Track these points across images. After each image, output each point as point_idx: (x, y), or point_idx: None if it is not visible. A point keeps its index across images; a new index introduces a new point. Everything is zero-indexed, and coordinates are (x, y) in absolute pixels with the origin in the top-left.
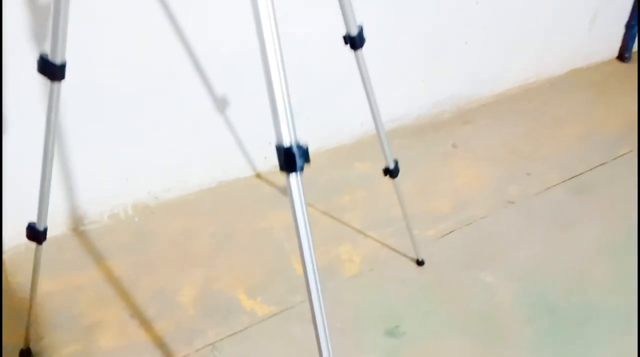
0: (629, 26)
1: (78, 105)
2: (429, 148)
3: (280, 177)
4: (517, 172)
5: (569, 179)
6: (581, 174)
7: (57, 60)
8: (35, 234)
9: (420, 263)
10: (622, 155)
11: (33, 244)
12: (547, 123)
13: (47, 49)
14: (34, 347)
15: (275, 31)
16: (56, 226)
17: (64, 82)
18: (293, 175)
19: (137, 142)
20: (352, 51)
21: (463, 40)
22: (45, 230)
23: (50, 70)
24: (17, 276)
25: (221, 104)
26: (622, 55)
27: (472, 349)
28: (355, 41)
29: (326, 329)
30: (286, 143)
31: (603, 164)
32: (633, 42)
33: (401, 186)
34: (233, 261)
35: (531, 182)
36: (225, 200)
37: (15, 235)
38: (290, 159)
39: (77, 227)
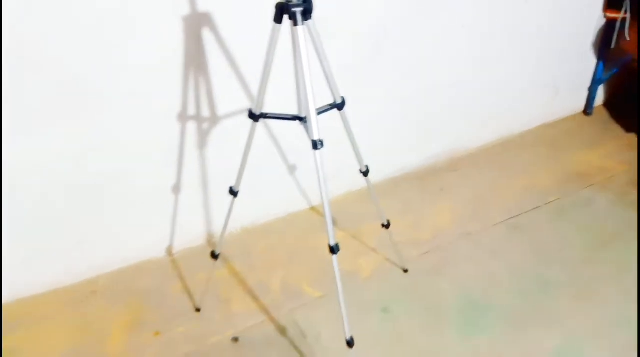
0: (590, 89)
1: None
2: (424, 191)
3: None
4: (478, 211)
5: (509, 219)
6: (518, 215)
7: (257, 112)
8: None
9: (405, 271)
10: (551, 201)
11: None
12: (507, 174)
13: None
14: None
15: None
16: (198, 239)
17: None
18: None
19: (255, 193)
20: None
21: (450, 108)
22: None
23: (253, 116)
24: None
25: (292, 169)
26: (586, 111)
27: (431, 324)
28: (341, 106)
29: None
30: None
31: (536, 208)
32: (593, 101)
33: (401, 220)
34: (299, 265)
35: (484, 220)
36: (292, 226)
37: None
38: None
39: (211, 240)
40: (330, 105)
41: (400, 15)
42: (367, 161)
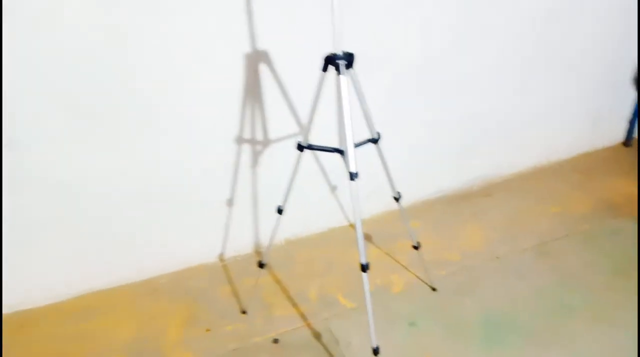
0: (630, 121)
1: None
2: (457, 214)
3: (363, 225)
4: (508, 236)
5: (538, 244)
6: (548, 241)
7: (304, 143)
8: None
9: (434, 289)
10: (580, 229)
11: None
12: (540, 200)
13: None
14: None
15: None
16: (247, 248)
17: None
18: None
19: (299, 208)
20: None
21: (487, 135)
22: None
23: (300, 147)
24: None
25: (333, 188)
26: (625, 142)
27: (454, 340)
28: (376, 141)
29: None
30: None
31: (565, 235)
32: (632, 132)
33: (432, 240)
34: (335, 277)
35: (513, 244)
36: (332, 240)
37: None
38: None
39: (258, 249)
40: (367, 140)
41: (440, 48)
42: (404, 183)
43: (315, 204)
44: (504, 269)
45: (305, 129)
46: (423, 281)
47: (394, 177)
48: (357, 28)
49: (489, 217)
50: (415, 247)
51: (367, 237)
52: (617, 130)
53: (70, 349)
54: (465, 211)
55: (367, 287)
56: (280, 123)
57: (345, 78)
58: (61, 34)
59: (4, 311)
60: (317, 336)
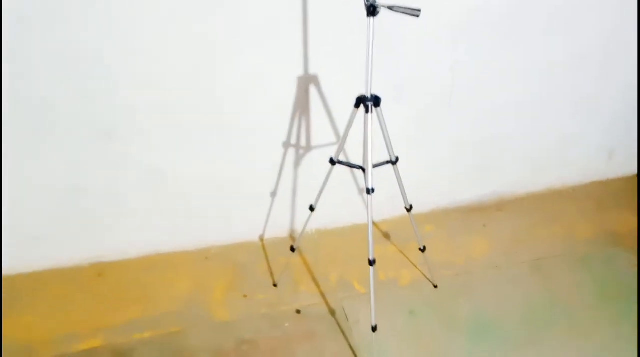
0: None
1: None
2: (468, 223)
3: (384, 225)
4: (510, 249)
5: (535, 260)
6: (545, 258)
7: (336, 158)
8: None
9: (435, 286)
10: (578, 252)
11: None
12: (546, 220)
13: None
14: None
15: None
16: (283, 232)
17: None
18: None
19: (330, 204)
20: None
21: (505, 156)
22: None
23: (332, 162)
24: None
25: (361, 191)
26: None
27: (446, 331)
28: (395, 162)
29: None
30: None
31: (563, 255)
32: None
33: (442, 244)
34: (354, 266)
35: (514, 256)
36: (355, 234)
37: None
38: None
39: (292, 235)
40: (386, 161)
41: (467, 83)
42: (426, 193)
43: (344, 202)
44: (500, 278)
45: (339, 148)
46: (427, 279)
47: (419, 185)
48: (397, 63)
49: (497, 229)
50: (422, 250)
51: (386, 236)
52: (632, 164)
53: (140, 294)
54: (477, 222)
55: (372, 277)
56: (321, 133)
57: (371, 115)
58: (168, 58)
59: (88, 262)
60: (332, 312)
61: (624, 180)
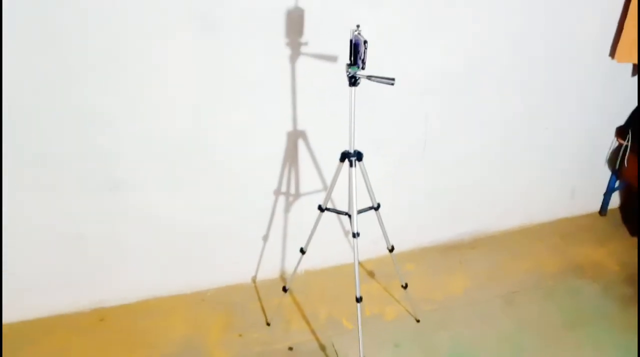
0: (605, 194)
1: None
2: (446, 261)
3: (368, 264)
4: (485, 284)
5: (508, 293)
6: (516, 292)
7: (324, 207)
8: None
9: (418, 321)
10: (546, 285)
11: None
12: (517, 256)
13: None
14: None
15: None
16: (274, 274)
17: None
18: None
19: (318, 246)
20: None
21: (478, 199)
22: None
23: (321, 209)
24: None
25: (347, 233)
26: (601, 212)
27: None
28: (377, 208)
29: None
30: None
31: (533, 288)
32: (607, 205)
33: (423, 281)
34: (342, 304)
35: (488, 291)
36: (342, 274)
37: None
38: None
39: (283, 275)
40: (369, 207)
41: (438, 134)
42: (406, 232)
43: (331, 244)
44: (476, 311)
45: (326, 196)
46: (410, 314)
47: (399, 227)
48: (376, 119)
49: (472, 266)
50: (404, 287)
51: (370, 274)
52: (594, 201)
53: (140, 338)
54: (453, 259)
55: (359, 313)
56: (309, 182)
57: (354, 169)
58: (169, 117)
59: (90, 307)
60: (323, 347)
61: (587, 217)
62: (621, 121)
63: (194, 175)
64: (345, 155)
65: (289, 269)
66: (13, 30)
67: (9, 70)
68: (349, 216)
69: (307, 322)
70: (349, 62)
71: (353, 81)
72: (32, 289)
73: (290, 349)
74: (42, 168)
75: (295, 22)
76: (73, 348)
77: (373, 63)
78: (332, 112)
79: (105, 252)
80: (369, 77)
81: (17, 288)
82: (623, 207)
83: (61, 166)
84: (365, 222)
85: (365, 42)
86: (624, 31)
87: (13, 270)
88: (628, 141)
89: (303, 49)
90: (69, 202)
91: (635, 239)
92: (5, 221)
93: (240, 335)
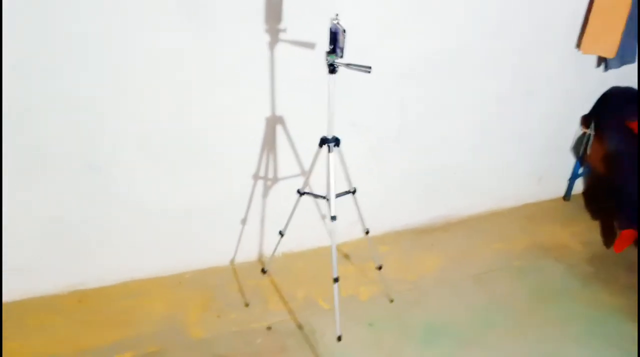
0: (570, 180)
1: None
2: (418, 243)
3: (344, 247)
4: (456, 265)
5: (478, 273)
6: (486, 272)
7: (302, 191)
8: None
9: (391, 301)
10: (514, 264)
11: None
12: (487, 238)
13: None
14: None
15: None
16: (252, 256)
17: None
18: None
19: (295, 229)
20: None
21: (450, 184)
22: None
23: (300, 193)
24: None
25: (323, 216)
26: (565, 197)
27: (402, 338)
28: (354, 192)
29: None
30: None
31: (501, 268)
32: (571, 190)
33: (397, 262)
34: (318, 285)
35: (459, 271)
36: (319, 257)
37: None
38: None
39: (261, 258)
40: (345, 191)
41: (415, 118)
42: (381, 216)
43: (308, 227)
44: (447, 290)
45: (305, 181)
46: (384, 294)
47: (374, 211)
48: (353, 104)
49: (444, 248)
50: (378, 268)
51: (346, 257)
52: (559, 187)
53: (118, 318)
54: (426, 242)
55: (336, 294)
56: (287, 167)
57: (333, 154)
58: (154, 100)
59: (68, 289)
60: (300, 327)
61: (552, 201)
62: (585, 110)
63: (173, 159)
64: (323, 141)
65: (267, 251)
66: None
67: None
68: (327, 200)
69: (285, 303)
70: (327, 50)
71: (332, 69)
72: (13, 272)
73: (269, 328)
74: (21, 150)
75: (274, 9)
76: (53, 327)
77: (352, 49)
78: (309, 98)
79: (84, 235)
80: (347, 65)
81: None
82: (586, 192)
83: (39, 149)
84: (341, 206)
85: (344, 31)
86: (588, 23)
87: None
88: (591, 129)
89: (282, 35)
90: (53, 184)
91: (597, 222)
92: None
93: (218, 316)
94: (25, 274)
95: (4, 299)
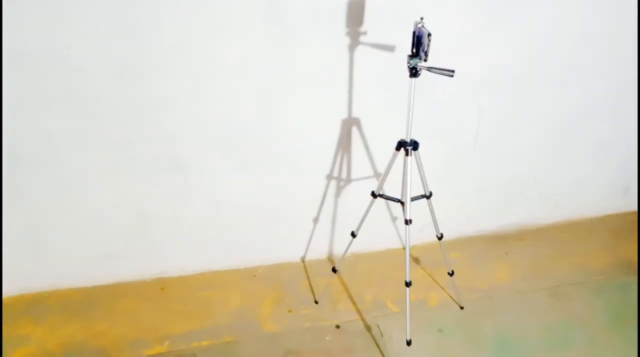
0: None
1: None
2: (491, 252)
3: (413, 250)
4: (530, 276)
5: (554, 286)
6: (562, 285)
7: (377, 193)
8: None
9: (462, 308)
10: (594, 280)
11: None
12: (565, 250)
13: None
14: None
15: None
16: (323, 255)
17: None
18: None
19: (366, 230)
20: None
21: (528, 192)
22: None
23: (374, 195)
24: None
25: (394, 218)
26: None
27: (471, 348)
28: (429, 196)
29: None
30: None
31: (580, 283)
32: None
33: (467, 269)
34: (387, 287)
35: (533, 283)
36: (389, 258)
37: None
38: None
39: (330, 257)
40: (421, 195)
41: (492, 128)
42: (454, 222)
43: (378, 229)
44: (521, 301)
45: (380, 183)
46: (454, 300)
47: (447, 216)
48: (430, 110)
49: (518, 257)
50: (450, 274)
51: (416, 260)
52: None
53: (197, 307)
54: (500, 249)
55: (408, 297)
56: (360, 168)
57: (410, 158)
58: (235, 103)
59: (152, 277)
60: (368, 328)
61: (637, 214)
62: None
63: (251, 159)
64: (401, 144)
65: (336, 250)
66: (98, 26)
67: (91, 61)
68: (402, 203)
69: (354, 303)
70: (410, 53)
71: (414, 72)
72: (103, 258)
73: (338, 327)
74: (110, 151)
75: (356, 13)
76: (138, 312)
77: (430, 54)
78: (386, 101)
79: (167, 227)
80: (430, 69)
81: (91, 258)
82: None
83: (127, 148)
84: (413, 210)
85: (429, 34)
86: None
87: (88, 239)
88: None
89: (362, 38)
90: (140, 181)
91: None
92: (81, 199)
93: (289, 311)
94: (114, 260)
95: (96, 282)
